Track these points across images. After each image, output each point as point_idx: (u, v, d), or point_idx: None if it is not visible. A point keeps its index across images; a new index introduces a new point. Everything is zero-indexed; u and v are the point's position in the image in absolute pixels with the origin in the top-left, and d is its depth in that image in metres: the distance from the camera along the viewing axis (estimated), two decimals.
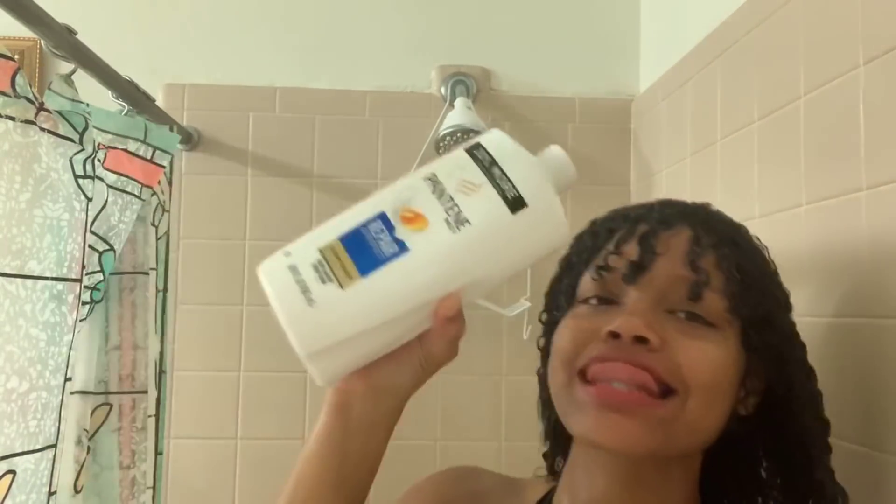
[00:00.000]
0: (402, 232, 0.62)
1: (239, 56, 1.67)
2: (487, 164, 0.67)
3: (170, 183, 1.39)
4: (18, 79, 0.83)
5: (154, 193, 1.27)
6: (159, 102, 1.47)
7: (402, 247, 0.62)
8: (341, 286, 0.61)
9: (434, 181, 0.66)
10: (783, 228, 1.02)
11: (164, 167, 1.25)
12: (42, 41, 1.01)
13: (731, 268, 0.71)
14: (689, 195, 1.33)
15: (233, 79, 1.66)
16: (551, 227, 0.69)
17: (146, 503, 1.26)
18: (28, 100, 0.85)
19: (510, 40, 1.70)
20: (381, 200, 0.65)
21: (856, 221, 0.86)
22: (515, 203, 0.65)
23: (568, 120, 1.68)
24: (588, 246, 0.79)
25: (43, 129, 0.87)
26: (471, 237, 0.63)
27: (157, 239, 1.31)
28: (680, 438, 0.69)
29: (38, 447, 0.87)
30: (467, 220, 0.63)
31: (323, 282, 0.62)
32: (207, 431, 1.60)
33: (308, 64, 1.68)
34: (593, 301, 0.74)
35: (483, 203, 0.64)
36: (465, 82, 1.65)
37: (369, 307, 0.62)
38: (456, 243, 0.63)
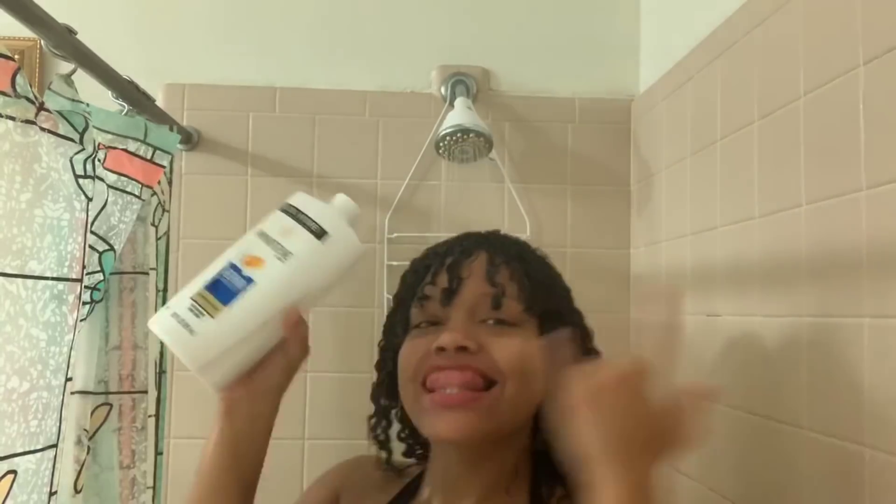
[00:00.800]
0: (247, 271, 0.88)
1: (239, 56, 1.67)
2: (294, 213, 0.94)
3: (170, 183, 1.39)
4: (18, 79, 0.83)
5: (154, 193, 1.27)
6: (159, 102, 1.47)
7: (249, 280, 0.88)
8: (212, 317, 0.86)
9: (262, 234, 0.92)
10: (783, 228, 1.03)
11: (164, 167, 1.25)
12: (42, 41, 1.01)
13: (521, 277, 0.94)
14: (688, 195, 1.34)
15: (233, 79, 1.66)
16: (349, 246, 0.94)
17: (146, 503, 1.26)
18: (28, 100, 0.85)
19: (510, 40, 1.70)
20: (228, 255, 0.91)
21: (856, 222, 0.86)
22: (320, 233, 0.91)
23: (568, 120, 1.68)
24: (411, 282, 1.00)
25: (43, 129, 0.87)
26: (296, 263, 0.89)
27: (158, 239, 1.31)
28: (506, 418, 0.89)
29: (38, 447, 0.87)
30: (290, 253, 0.89)
31: (198, 317, 0.86)
32: (207, 431, 1.59)
33: (308, 64, 1.68)
34: (423, 325, 0.95)
35: (298, 239, 0.90)
36: (465, 82, 1.65)
37: (235, 326, 0.86)
38: (286, 269, 0.88)
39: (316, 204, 0.96)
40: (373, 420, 1.10)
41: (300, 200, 0.96)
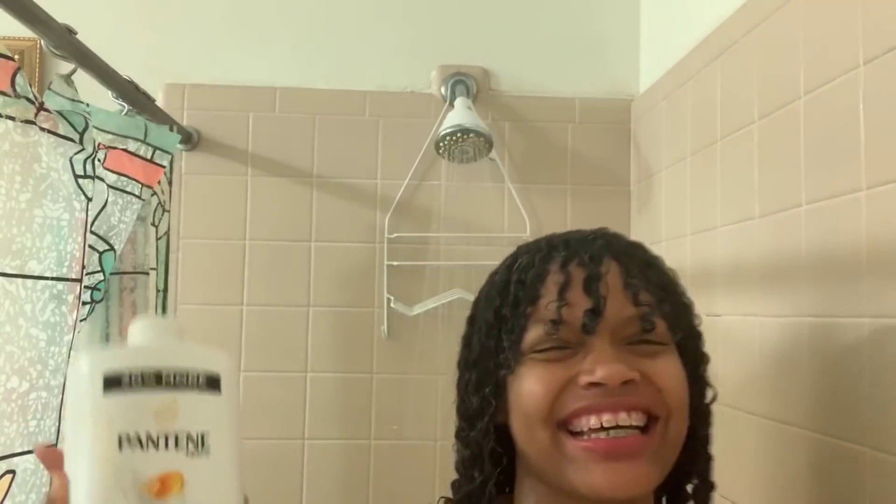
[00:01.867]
0: None
1: (239, 56, 1.67)
2: (148, 378, 0.54)
3: (170, 183, 1.39)
4: (18, 79, 0.83)
5: (154, 193, 1.27)
6: (159, 102, 1.47)
7: None
8: None
9: (132, 438, 0.53)
10: (783, 228, 1.02)
11: (164, 167, 1.25)
12: (42, 41, 1.01)
13: (659, 289, 0.76)
14: (689, 195, 1.34)
15: (233, 79, 1.66)
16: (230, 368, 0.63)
17: None
18: (28, 100, 0.85)
19: (510, 40, 1.70)
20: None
21: (855, 221, 0.86)
22: (213, 382, 0.59)
23: (568, 120, 1.68)
24: (520, 297, 0.76)
25: (43, 129, 0.87)
26: (221, 450, 0.60)
27: (158, 239, 1.31)
28: (670, 460, 0.74)
29: None
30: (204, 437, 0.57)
31: None
32: None
33: (308, 64, 1.68)
34: (548, 350, 0.74)
35: (195, 410, 0.58)
36: (465, 82, 1.65)
37: None
38: (216, 466, 0.60)
39: (152, 347, 0.58)
40: (473, 483, 0.79)
41: (126, 359, 0.54)
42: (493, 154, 1.61)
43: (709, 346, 1.23)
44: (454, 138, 1.51)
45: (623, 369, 0.70)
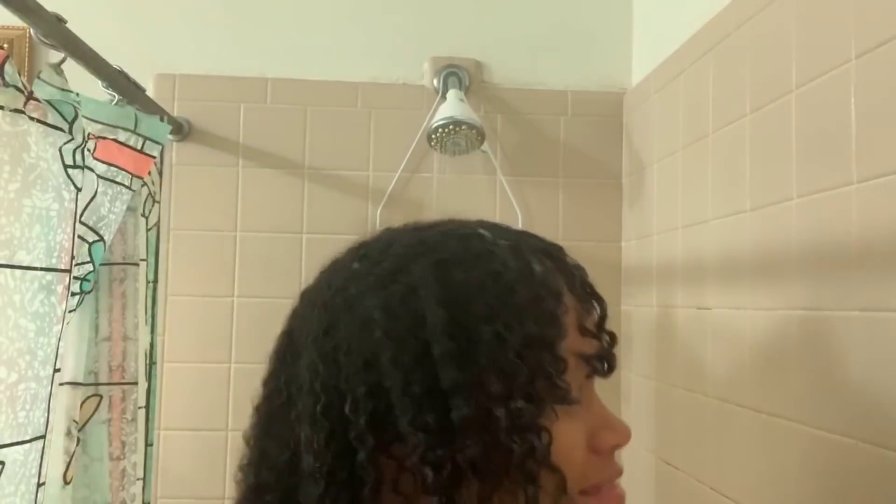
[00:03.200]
0: None
1: (230, 46, 1.66)
2: None
3: (160, 173, 1.38)
4: (7, 67, 0.82)
5: (144, 184, 1.26)
6: (150, 92, 1.46)
7: None
8: None
9: None
10: (774, 222, 1.03)
11: (154, 157, 1.25)
12: (31, 30, 1.00)
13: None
14: (680, 188, 1.34)
15: (224, 69, 1.65)
16: None
17: (136, 494, 1.25)
18: (17, 88, 0.84)
19: (503, 33, 1.70)
20: None
21: (846, 215, 0.87)
22: None
23: (560, 113, 1.68)
24: (550, 318, 0.58)
25: (32, 119, 0.87)
26: None
27: (148, 230, 1.30)
28: None
29: (26, 438, 0.86)
30: None
31: None
32: (198, 423, 1.60)
33: (300, 55, 1.67)
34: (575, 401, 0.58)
35: None
36: (458, 74, 1.65)
37: None
38: None
39: None
40: None
41: None
42: (486, 146, 1.61)
43: (699, 339, 1.23)
44: (446, 130, 1.51)
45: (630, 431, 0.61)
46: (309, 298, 0.70)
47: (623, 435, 0.60)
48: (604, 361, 0.61)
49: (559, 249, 0.66)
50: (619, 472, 0.61)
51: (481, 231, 0.64)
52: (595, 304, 0.63)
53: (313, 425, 0.57)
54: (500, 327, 0.56)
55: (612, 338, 0.63)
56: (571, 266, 0.64)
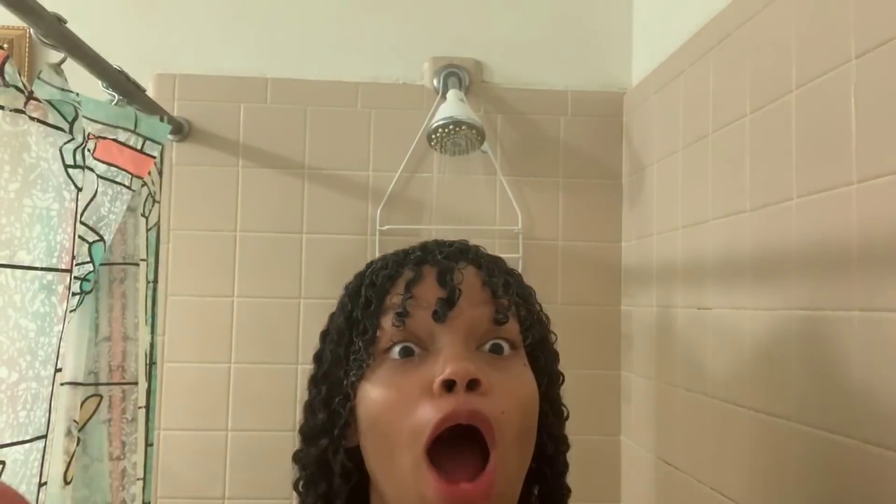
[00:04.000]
0: None
1: (230, 46, 1.66)
2: None
3: (160, 173, 1.38)
4: (8, 67, 0.83)
5: (144, 184, 1.26)
6: (150, 92, 1.46)
7: None
8: None
9: None
10: (774, 222, 1.03)
11: (154, 157, 1.25)
12: (32, 30, 1.00)
13: (516, 294, 0.74)
14: (680, 188, 1.34)
15: (224, 69, 1.65)
16: None
17: (136, 494, 1.25)
18: (17, 88, 0.84)
19: (503, 33, 1.70)
20: None
21: (846, 215, 0.87)
22: None
23: (560, 113, 1.69)
24: (370, 296, 0.73)
25: (32, 119, 0.87)
26: None
27: (148, 230, 1.30)
28: (510, 493, 0.69)
29: (27, 438, 0.86)
30: None
31: None
32: (197, 423, 1.60)
33: (300, 55, 1.67)
34: (396, 355, 0.70)
35: None
36: (458, 74, 1.65)
37: None
38: None
39: None
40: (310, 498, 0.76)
41: None
42: (486, 146, 1.61)
43: (699, 339, 1.23)
44: (446, 130, 1.51)
45: (472, 367, 0.65)
46: None
47: (446, 373, 0.64)
48: (403, 317, 0.69)
49: (426, 245, 0.79)
50: (452, 416, 0.64)
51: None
52: (433, 270, 0.73)
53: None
54: (336, 308, 0.80)
55: (449, 292, 0.70)
56: (432, 249, 0.76)
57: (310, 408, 0.77)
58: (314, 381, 0.78)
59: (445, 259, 0.74)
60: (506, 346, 0.71)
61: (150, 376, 1.32)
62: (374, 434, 0.69)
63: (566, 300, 1.65)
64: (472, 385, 0.65)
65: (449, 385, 0.65)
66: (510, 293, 0.73)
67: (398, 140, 1.65)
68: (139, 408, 1.25)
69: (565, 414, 0.79)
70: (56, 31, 1.01)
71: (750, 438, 1.07)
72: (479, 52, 1.69)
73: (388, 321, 0.71)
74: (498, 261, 0.78)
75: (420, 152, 1.65)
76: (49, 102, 0.90)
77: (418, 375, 0.67)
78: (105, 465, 1.20)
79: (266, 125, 1.64)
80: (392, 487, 0.69)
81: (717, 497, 1.16)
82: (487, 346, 0.71)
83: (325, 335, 0.80)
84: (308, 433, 0.76)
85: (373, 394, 0.69)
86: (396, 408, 0.67)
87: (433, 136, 1.53)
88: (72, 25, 1.04)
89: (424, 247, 0.77)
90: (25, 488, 0.86)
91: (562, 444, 0.78)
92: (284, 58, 1.67)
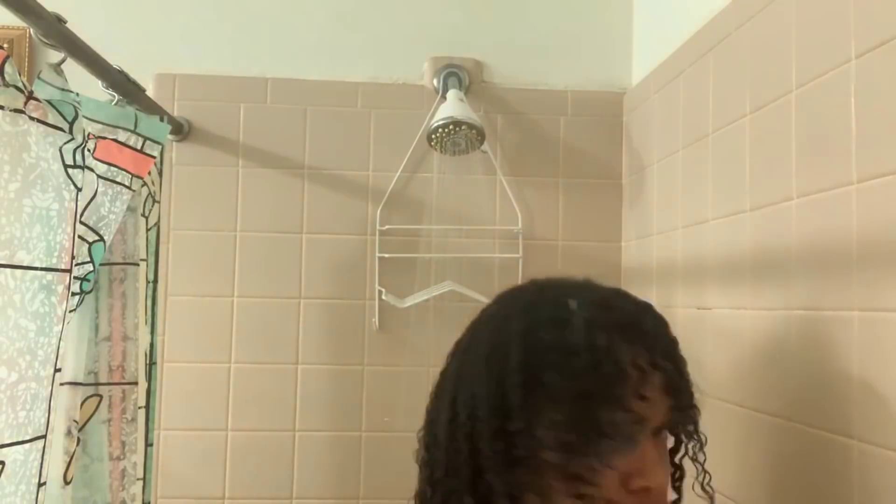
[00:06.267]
0: None
1: (230, 46, 1.66)
2: None
3: (160, 173, 1.38)
4: (8, 67, 0.82)
5: (144, 184, 1.26)
6: (150, 92, 1.46)
7: None
8: None
9: None
10: (774, 222, 1.03)
11: (154, 157, 1.24)
12: (32, 30, 1.00)
13: (687, 396, 0.81)
14: (680, 188, 1.34)
15: (224, 69, 1.65)
16: None
17: (136, 494, 1.25)
18: (17, 88, 0.84)
19: (503, 32, 1.70)
20: None
21: (846, 215, 0.87)
22: None
23: (560, 112, 1.68)
24: (614, 378, 0.75)
25: (32, 119, 0.87)
26: None
27: (148, 230, 1.30)
28: None
29: (27, 438, 0.86)
30: None
31: None
32: (197, 423, 1.60)
33: (300, 55, 1.67)
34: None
35: None
36: (458, 74, 1.65)
37: None
38: None
39: None
40: None
41: None
42: (486, 146, 1.61)
43: (699, 339, 1.23)
44: (446, 130, 1.51)
45: (663, 483, 0.76)
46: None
47: (648, 480, 0.73)
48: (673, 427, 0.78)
49: (641, 315, 0.80)
50: None
51: (569, 301, 0.78)
52: (659, 370, 0.76)
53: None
54: (558, 379, 0.73)
55: (686, 397, 0.78)
56: (650, 334, 0.78)
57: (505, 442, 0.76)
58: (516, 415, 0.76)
59: (651, 364, 0.76)
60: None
61: (150, 376, 1.32)
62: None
63: None
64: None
65: (647, 490, 0.74)
66: (693, 401, 0.81)
67: (398, 140, 1.65)
68: (139, 408, 1.25)
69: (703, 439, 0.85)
70: (56, 31, 1.01)
71: (749, 438, 1.07)
72: (479, 52, 1.69)
73: (627, 418, 0.74)
74: (684, 360, 0.82)
75: (420, 152, 1.65)
76: (49, 102, 0.90)
77: (622, 465, 0.74)
78: (105, 465, 1.20)
79: (266, 125, 1.64)
80: None
81: (717, 497, 1.16)
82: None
83: (599, 385, 0.75)
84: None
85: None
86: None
87: (433, 136, 1.53)
88: (72, 25, 1.04)
89: (643, 335, 0.77)
90: (25, 488, 0.86)
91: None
92: (284, 58, 1.67)
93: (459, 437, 0.77)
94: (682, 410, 0.79)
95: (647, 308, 0.82)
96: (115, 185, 1.16)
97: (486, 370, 0.77)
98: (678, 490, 0.86)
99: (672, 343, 0.81)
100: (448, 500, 0.78)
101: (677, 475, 0.85)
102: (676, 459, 0.84)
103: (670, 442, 0.82)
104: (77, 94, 0.99)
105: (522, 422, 0.74)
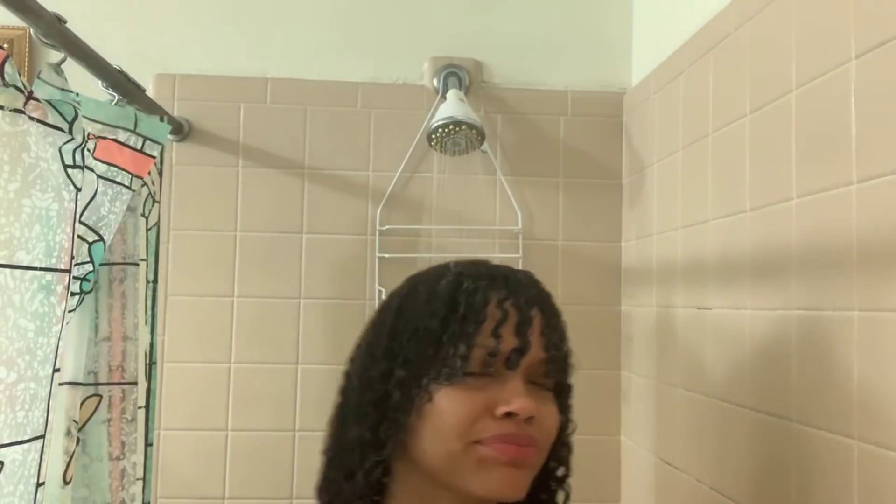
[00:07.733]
0: None
1: (230, 46, 1.67)
2: None
3: (160, 173, 1.38)
4: (7, 67, 0.82)
5: (144, 184, 1.26)
6: (150, 92, 1.46)
7: None
8: None
9: None
10: (774, 222, 1.03)
11: (154, 157, 1.24)
12: (31, 29, 1.00)
13: (563, 344, 0.88)
14: (680, 188, 1.34)
15: (224, 69, 1.65)
16: None
17: (136, 494, 1.25)
18: (17, 88, 0.84)
19: (503, 33, 1.70)
20: None
21: (846, 215, 0.87)
22: None
23: (560, 113, 1.68)
24: (468, 317, 0.83)
25: (32, 119, 0.87)
26: None
27: (148, 230, 1.30)
28: (536, 469, 0.85)
29: (26, 438, 0.86)
30: None
31: None
32: (197, 423, 1.60)
33: (300, 55, 1.67)
34: (478, 377, 0.82)
35: None
36: (458, 74, 1.65)
37: None
38: None
39: None
40: (361, 471, 0.85)
41: None
42: (486, 146, 1.61)
43: (699, 340, 1.23)
44: (446, 130, 1.51)
45: (533, 406, 0.80)
46: None
47: (513, 406, 0.80)
48: (494, 356, 0.82)
49: (515, 271, 0.90)
50: (513, 435, 0.80)
51: (451, 263, 0.90)
52: (515, 313, 0.83)
53: None
54: (421, 304, 0.85)
55: (523, 343, 0.82)
56: (515, 288, 0.86)
57: (378, 381, 0.85)
58: (392, 358, 0.85)
59: (526, 303, 0.85)
60: (546, 385, 0.86)
61: (149, 376, 1.32)
62: (434, 432, 0.82)
63: (566, 300, 1.63)
64: (529, 420, 0.81)
65: (510, 415, 0.80)
66: (558, 343, 0.86)
67: (398, 140, 1.65)
68: (139, 408, 1.25)
69: (572, 427, 0.92)
70: (56, 31, 1.01)
71: (750, 438, 1.07)
72: (479, 52, 1.69)
73: (480, 352, 0.82)
74: (552, 302, 0.90)
75: (420, 152, 1.65)
76: (49, 102, 0.90)
77: (484, 396, 0.81)
78: (105, 465, 1.20)
79: (266, 125, 1.64)
80: (437, 463, 0.82)
81: (717, 497, 1.16)
82: (534, 384, 0.84)
83: (404, 321, 0.86)
84: (367, 397, 0.86)
85: (447, 402, 0.81)
86: (461, 416, 0.81)
87: (433, 136, 1.53)
88: (72, 25, 1.04)
89: (507, 281, 0.86)
90: (24, 489, 0.86)
91: (567, 448, 0.92)
92: (284, 58, 1.67)
93: (356, 381, 0.88)
94: (552, 357, 0.85)
95: (526, 272, 0.91)
96: (114, 185, 1.16)
97: (371, 323, 0.91)
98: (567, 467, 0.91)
99: (542, 294, 0.89)
100: (346, 427, 0.89)
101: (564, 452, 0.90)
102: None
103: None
104: (77, 94, 0.99)
105: (386, 362, 0.84)
